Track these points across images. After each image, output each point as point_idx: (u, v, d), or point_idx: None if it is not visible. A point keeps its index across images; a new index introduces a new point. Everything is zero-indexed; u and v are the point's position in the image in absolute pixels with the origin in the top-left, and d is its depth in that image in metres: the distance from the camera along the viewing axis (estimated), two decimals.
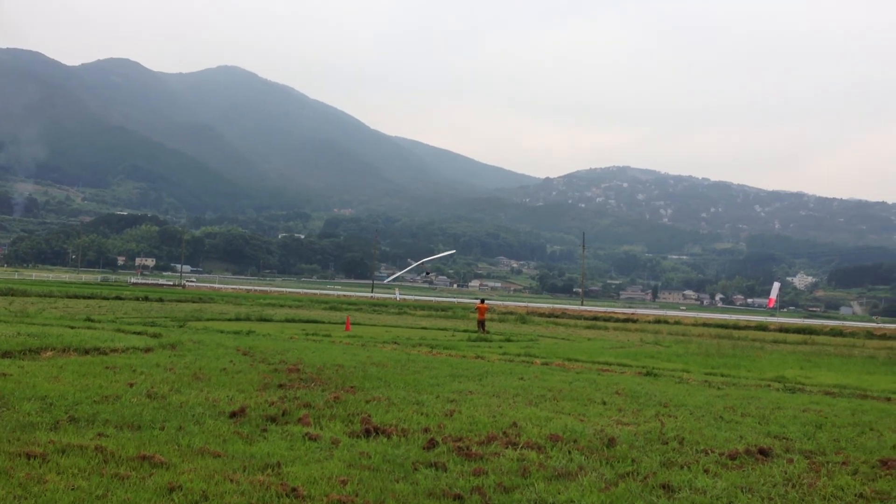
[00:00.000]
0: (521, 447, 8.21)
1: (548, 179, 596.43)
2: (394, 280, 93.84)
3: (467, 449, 7.95)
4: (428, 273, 57.19)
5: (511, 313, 58.76)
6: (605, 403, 12.02)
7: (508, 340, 28.19)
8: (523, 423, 9.72)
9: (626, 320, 57.23)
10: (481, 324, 34.33)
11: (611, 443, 8.65)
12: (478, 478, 6.86)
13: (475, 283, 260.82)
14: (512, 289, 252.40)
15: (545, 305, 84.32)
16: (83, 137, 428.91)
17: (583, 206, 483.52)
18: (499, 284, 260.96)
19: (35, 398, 9.45)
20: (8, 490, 5.68)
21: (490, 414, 10.35)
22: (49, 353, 14.53)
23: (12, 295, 45.13)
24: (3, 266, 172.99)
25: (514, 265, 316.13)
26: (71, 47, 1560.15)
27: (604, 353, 23.28)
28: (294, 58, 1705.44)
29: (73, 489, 5.80)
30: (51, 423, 8.10)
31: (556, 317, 57.15)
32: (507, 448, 8.16)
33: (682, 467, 7.72)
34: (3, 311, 28.46)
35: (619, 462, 7.82)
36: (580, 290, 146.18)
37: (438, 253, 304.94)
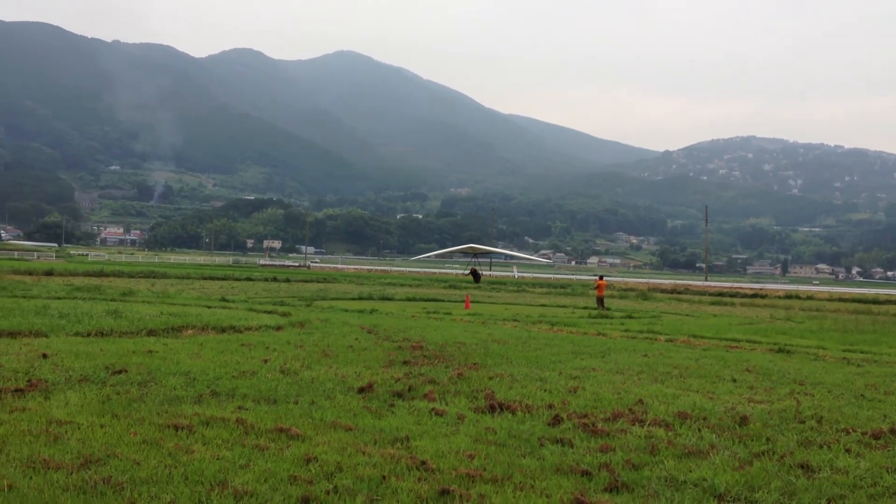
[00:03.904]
0: (649, 424, 8.09)
1: (667, 152, 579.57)
2: (422, 259, 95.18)
3: (593, 425, 7.89)
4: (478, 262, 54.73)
5: (632, 290, 57.70)
6: (734, 381, 11.66)
7: (630, 317, 27.71)
8: (649, 400, 9.56)
9: (753, 296, 55.14)
10: (600, 300, 33.91)
11: (743, 421, 8.39)
12: (605, 454, 6.80)
13: (593, 259, 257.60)
14: (631, 265, 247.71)
15: (667, 281, 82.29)
16: (212, 126, 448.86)
17: (705, 178, 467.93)
18: (618, 261, 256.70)
19: (179, 373, 10.03)
20: (159, 459, 6.06)
21: (614, 391, 10.23)
22: (189, 332, 15.37)
23: (153, 277, 47.87)
24: (143, 250, 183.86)
25: (634, 241, 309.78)
26: (198, 40, 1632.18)
27: (731, 330, 22.51)
28: (407, 40, 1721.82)
29: (217, 459, 6.13)
30: (194, 397, 8.58)
31: (679, 293, 55.71)
32: (633, 425, 8.05)
33: (821, 447, 7.41)
34: (146, 292, 30.26)
35: (752, 441, 7.58)
36: (703, 265, 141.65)
37: (551, 231, 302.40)
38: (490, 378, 10.92)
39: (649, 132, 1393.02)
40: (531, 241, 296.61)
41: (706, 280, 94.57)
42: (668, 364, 13.37)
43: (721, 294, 55.04)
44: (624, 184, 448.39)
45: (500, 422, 8.01)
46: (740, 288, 68.23)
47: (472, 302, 32.95)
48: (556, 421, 8.06)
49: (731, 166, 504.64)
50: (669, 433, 7.74)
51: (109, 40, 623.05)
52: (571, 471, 6.26)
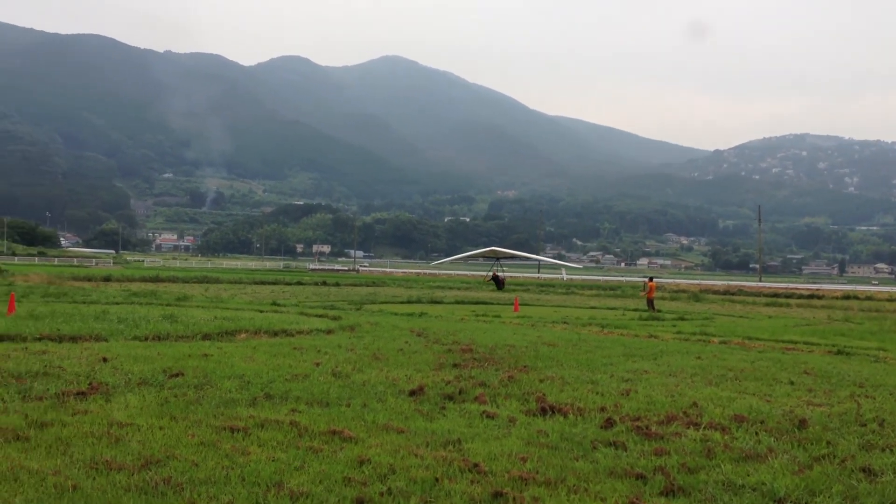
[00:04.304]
0: (704, 427, 7.97)
1: (717, 152, 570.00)
2: (443, 263, 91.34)
3: (646, 428, 7.81)
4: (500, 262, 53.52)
5: (683, 291, 56.91)
6: (792, 383, 11.42)
7: (682, 319, 27.33)
8: (704, 403, 9.42)
9: (810, 296, 53.93)
10: (650, 302, 33.54)
11: (802, 424, 8.21)
12: (660, 457, 6.73)
13: (643, 261, 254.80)
14: (682, 266, 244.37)
15: (719, 283, 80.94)
16: (261, 133, 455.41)
17: (757, 177, 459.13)
18: (668, 262, 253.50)
19: (234, 376, 10.20)
20: (217, 460, 6.17)
21: (668, 393, 10.10)
22: (243, 335, 15.62)
23: (207, 282, 48.78)
24: (196, 256, 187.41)
25: (684, 242, 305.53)
26: (246, 49, 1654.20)
27: (787, 331, 22.06)
28: (453, 43, 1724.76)
29: (273, 460, 6.22)
30: (249, 400, 8.72)
31: (732, 294, 54.76)
32: (688, 428, 7.95)
33: (883, 450, 7.22)
34: (200, 297, 30.84)
35: (812, 444, 7.41)
36: (757, 265, 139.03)
37: (600, 232, 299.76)
38: (541, 381, 10.88)
39: (699, 131, 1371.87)
40: (579, 243, 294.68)
41: (760, 281, 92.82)
42: (722, 366, 13.16)
43: (776, 295, 53.98)
44: (673, 184, 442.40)
45: (551, 424, 7.97)
46: (796, 289, 66.78)
47: (521, 304, 32.86)
48: (609, 424, 7.99)
49: (785, 164, 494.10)
50: (726, 437, 7.62)
51: (161, 51, 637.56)
52: (626, 474, 6.20)
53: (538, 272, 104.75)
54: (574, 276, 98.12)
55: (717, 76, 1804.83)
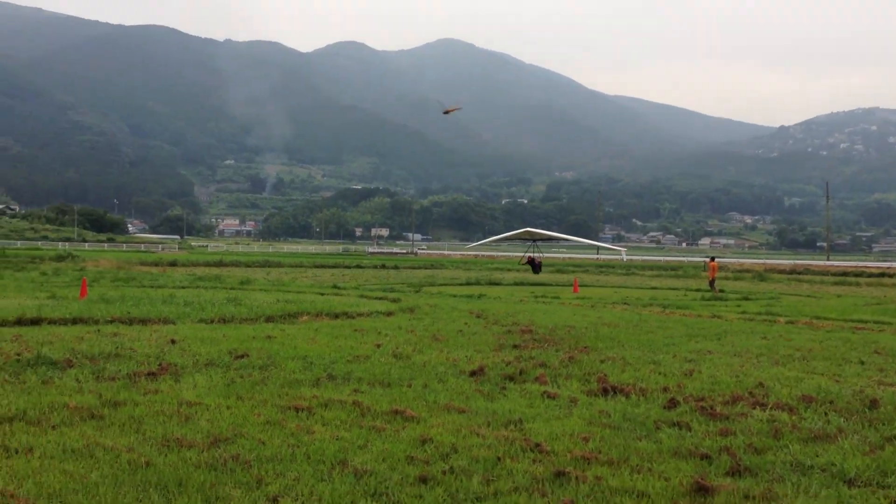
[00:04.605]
0: (770, 408, 7.81)
1: (782, 128, 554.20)
2: (479, 245, 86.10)
3: (711, 409, 7.69)
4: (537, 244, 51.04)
5: (747, 271, 55.72)
6: (862, 363, 11.11)
7: (746, 299, 26.80)
8: (770, 383, 9.24)
9: (881, 275, 52.29)
10: (712, 282, 32.95)
11: (873, 404, 7.98)
12: (725, 438, 6.62)
13: (705, 240, 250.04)
14: (746, 245, 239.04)
15: (785, 262, 79.09)
16: (320, 119, 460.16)
17: (824, 153, 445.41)
18: (731, 241, 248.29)
19: (297, 357, 10.38)
20: (283, 439, 6.30)
21: (732, 374, 9.93)
22: (305, 318, 15.87)
23: (268, 266, 49.62)
24: (258, 241, 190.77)
25: (748, 221, 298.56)
26: (304, 35, 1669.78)
27: (857, 311, 21.45)
28: (509, 25, 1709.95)
29: (337, 439, 6.32)
30: (312, 380, 8.87)
31: (799, 273, 53.44)
32: (754, 409, 7.80)
33: None
34: (262, 281, 31.41)
35: (884, 424, 7.20)
36: (825, 244, 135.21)
37: (660, 213, 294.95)
38: (602, 361, 10.81)
39: (763, 107, 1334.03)
40: (639, 223, 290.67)
41: (828, 259, 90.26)
42: (789, 346, 12.87)
43: (845, 274, 52.50)
44: (737, 162, 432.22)
45: (613, 405, 7.92)
46: (866, 267, 64.74)
47: (579, 286, 32.63)
48: (672, 404, 7.90)
49: (853, 140, 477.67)
50: (793, 417, 7.46)
51: (221, 40, 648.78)
52: (690, 454, 6.12)
53: (597, 253, 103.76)
54: (634, 257, 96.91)
55: (781, 50, 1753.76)
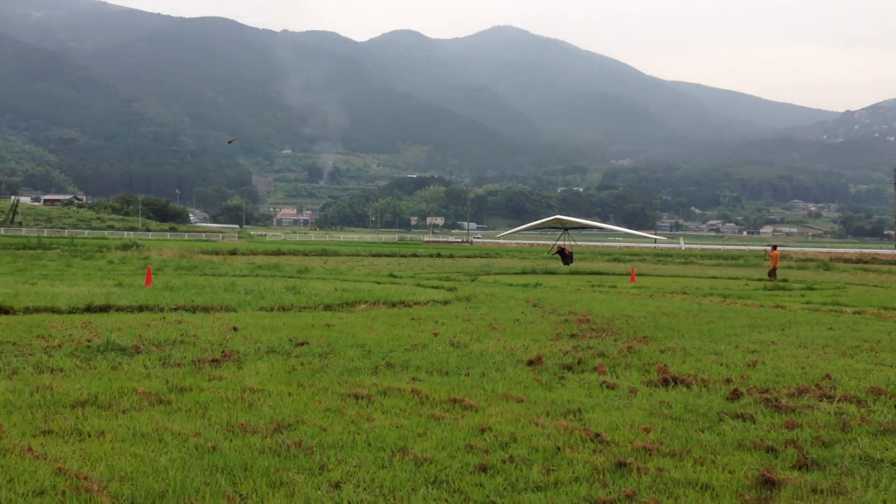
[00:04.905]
0: (838, 400, 7.61)
1: (847, 113, 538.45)
2: (509, 234, 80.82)
3: (776, 401, 7.53)
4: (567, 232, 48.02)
5: (811, 260, 54.36)
6: None
7: (811, 289, 26.12)
8: (837, 374, 9.01)
9: None
10: (773, 272, 32.21)
11: None
12: (791, 431, 6.48)
13: (767, 229, 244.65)
14: (810, 234, 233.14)
15: (851, 250, 76.99)
16: (375, 108, 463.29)
17: (892, 139, 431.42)
18: (794, 230, 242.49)
19: (355, 346, 10.49)
20: (343, 426, 6.38)
21: (798, 365, 9.71)
22: (362, 306, 16.02)
23: (325, 255, 50.17)
24: (315, 229, 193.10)
25: (812, 208, 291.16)
26: (359, 25, 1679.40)
27: None
28: (565, 10, 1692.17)
29: (396, 427, 6.38)
30: (371, 368, 8.96)
31: (866, 262, 52.00)
32: (821, 401, 7.62)
33: None
34: (320, 269, 31.78)
35: None
36: (892, 232, 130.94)
37: (720, 200, 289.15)
38: (661, 351, 10.68)
39: (827, 92, 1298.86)
40: (698, 211, 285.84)
41: None
42: (856, 337, 12.53)
43: None
44: (800, 148, 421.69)
45: (674, 396, 7.82)
46: None
47: (637, 275, 32.25)
48: (736, 396, 7.76)
49: None
50: (862, 410, 7.26)
51: (279, 30, 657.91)
52: (755, 447, 6.02)
53: (654, 242, 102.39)
54: (692, 246, 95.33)
55: (847, 33, 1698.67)
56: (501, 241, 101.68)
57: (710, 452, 5.89)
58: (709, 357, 10.27)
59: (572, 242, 43.71)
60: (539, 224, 51.69)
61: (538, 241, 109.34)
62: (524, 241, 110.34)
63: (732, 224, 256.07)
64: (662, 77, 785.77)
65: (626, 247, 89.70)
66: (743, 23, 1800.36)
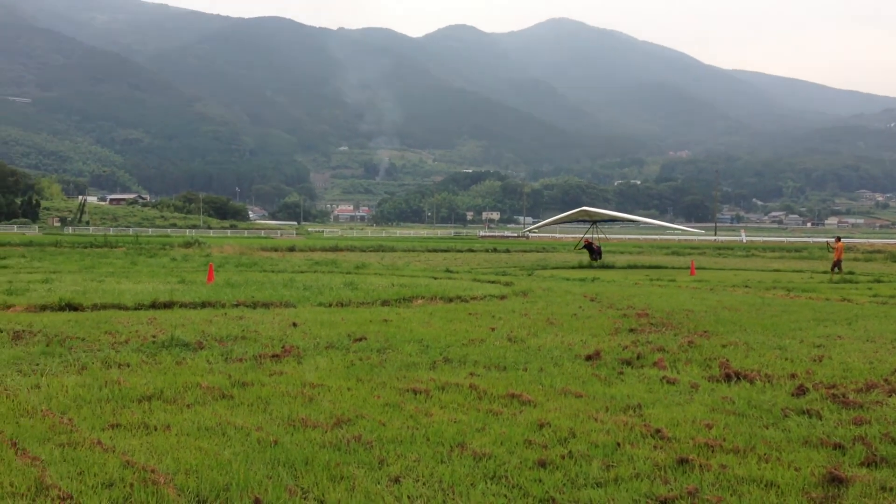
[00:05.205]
0: None
1: None
2: (533, 228, 73.55)
3: (843, 396, 7.34)
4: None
5: (878, 252, 52.73)
6: None
7: (878, 281, 25.34)
8: None
9: None
10: (837, 264, 31.27)
11: None
12: (859, 427, 6.31)
13: (832, 220, 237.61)
14: (877, 224, 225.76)
15: None
16: (430, 103, 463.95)
17: None
18: (861, 221, 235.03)
19: (413, 341, 10.56)
20: (402, 421, 6.43)
21: (866, 360, 9.44)
22: (419, 301, 16.10)
23: (382, 251, 50.53)
24: (371, 225, 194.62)
25: (879, 199, 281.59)
26: (415, 21, 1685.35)
27: None
28: (621, 1, 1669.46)
29: (455, 422, 6.40)
30: (429, 363, 9.00)
31: None
32: (890, 396, 7.40)
33: None
34: (377, 265, 32.03)
35: None
36: None
37: (783, 191, 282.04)
38: (723, 346, 10.50)
39: (895, 78, 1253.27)
40: (760, 202, 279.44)
41: None
42: None
43: None
44: (866, 136, 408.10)
45: (737, 391, 7.67)
46: None
47: (697, 268, 31.70)
48: (801, 391, 7.58)
49: None
50: None
51: (335, 28, 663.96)
52: (821, 444, 5.87)
53: (715, 234, 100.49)
54: (754, 238, 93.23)
55: None
56: (635, 235, 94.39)
57: (774, 449, 5.76)
58: (772, 352, 10.06)
59: (601, 236, 41.59)
60: (565, 217, 48.72)
61: (595, 236, 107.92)
62: (580, 237, 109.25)
63: (796, 216, 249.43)
64: (722, 66, 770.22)
65: (685, 239, 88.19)
66: (803, 8, 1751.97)
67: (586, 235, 39.61)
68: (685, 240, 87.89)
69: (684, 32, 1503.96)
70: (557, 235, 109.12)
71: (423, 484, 5.00)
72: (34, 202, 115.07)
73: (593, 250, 36.64)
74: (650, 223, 64.34)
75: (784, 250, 58.71)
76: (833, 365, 9.12)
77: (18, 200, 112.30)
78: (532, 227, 72.06)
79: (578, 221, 48.04)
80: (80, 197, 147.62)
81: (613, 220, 53.16)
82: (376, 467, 5.29)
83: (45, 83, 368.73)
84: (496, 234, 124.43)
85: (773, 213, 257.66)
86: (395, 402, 7.04)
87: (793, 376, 8.36)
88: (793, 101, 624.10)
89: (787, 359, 9.55)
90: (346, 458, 5.44)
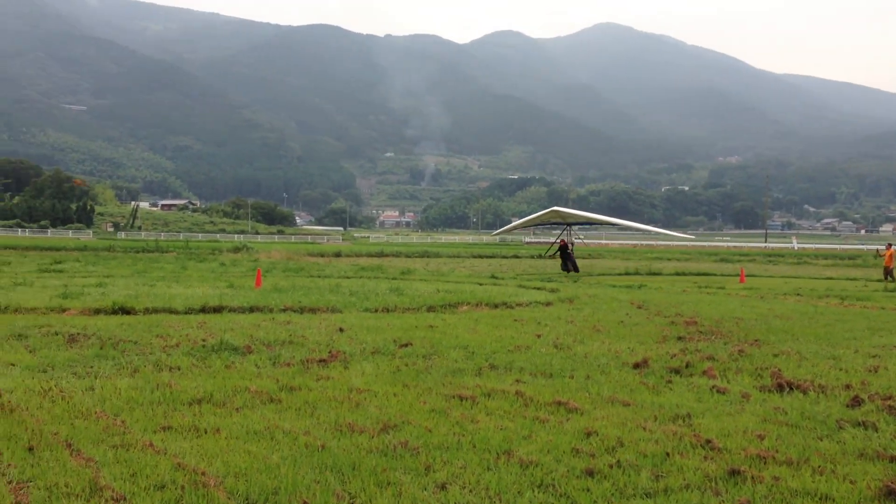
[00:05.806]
0: None
1: None
2: (502, 231, 68.43)
3: None
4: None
5: None
6: None
7: None
8: None
9: None
10: (888, 271, 30.46)
11: None
12: None
13: (887, 227, 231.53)
14: None
15: None
16: (476, 109, 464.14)
17: None
18: None
19: (459, 347, 10.56)
20: (448, 427, 6.42)
21: None
22: (465, 307, 16.10)
23: (427, 257, 50.71)
24: (417, 231, 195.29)
25: None
26: (461, 27, 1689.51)
27: None
28: (670, 6, 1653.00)
29: (501, 429, 6.38)
30: (475, 370, 8.99)
31: None
32: None
33: None
34: (422, 271, 32.15)
35: None
36: None
37: (835, 197, 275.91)
38: (775, 355, 10.29)
39: None
40: (811, 209, 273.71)
41: None
42: None
43: None
44: None
45: (789, 402, 7.52)
46: None
47: (746, 276, 31.16)
48: (856, 402, 7.40)
49: None
50: None
51: (382, 35, 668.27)
52: (878, 456, 5.72)
53: (765, 241, 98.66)
54: (806, 245, 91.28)
55: None
56: (683, 242, 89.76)
57: (829, 462, 5.63)
58: (826, 362, 9.83)
59: (580, 239, 38.33)
60: (535, 218, 45.10)
61: (642, 242, 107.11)
62: (628, 242, 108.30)
63: (849, 222, 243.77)
64: (773, 70, 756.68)
65: (735, 246, 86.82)
66: (855, 11, 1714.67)
67: (562, 238, 36.64)
68: (735, 247, 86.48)
69: (734, 37, 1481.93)
70: (604, 241, 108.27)
71: (470, 491, 4.99)
72: (89, 208, 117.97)
73: (567, 256, 33.70)
74: (630, 226, 60.90)
75: (837, 257, 57.43)
76: (889, 376, 8.88)
77: (73, 206, 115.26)
78: (501, 230, 68.99)
79: (553, 224, 44.50)
80: (133, 203, 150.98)
81: (589, 222, 49.93)
82: (423, 473, 5.30)
83: (100, 91, 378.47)
84: (542, 240, 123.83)
85: (826, 220, 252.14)
86: (441, 409, 7.04)
87: (847, 387, 8.16)
88: (846, 106, 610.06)
89: (841, 369, 9.33)
90: (393, 464, 5.45)
